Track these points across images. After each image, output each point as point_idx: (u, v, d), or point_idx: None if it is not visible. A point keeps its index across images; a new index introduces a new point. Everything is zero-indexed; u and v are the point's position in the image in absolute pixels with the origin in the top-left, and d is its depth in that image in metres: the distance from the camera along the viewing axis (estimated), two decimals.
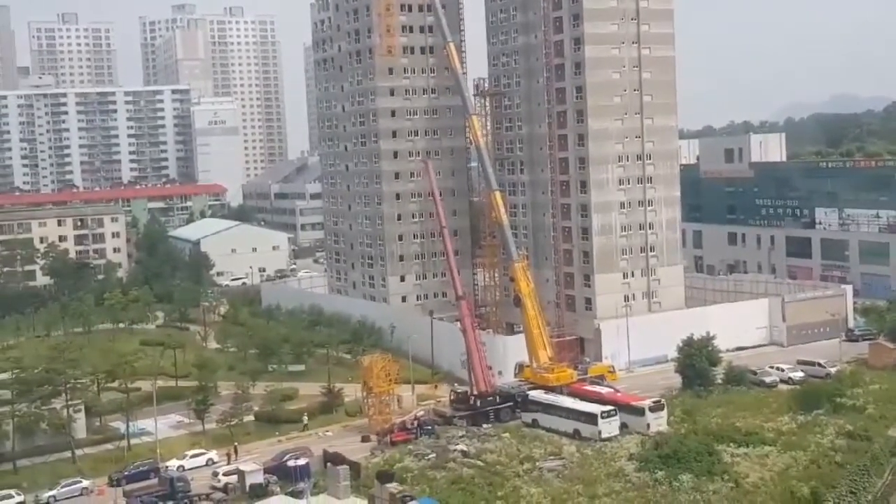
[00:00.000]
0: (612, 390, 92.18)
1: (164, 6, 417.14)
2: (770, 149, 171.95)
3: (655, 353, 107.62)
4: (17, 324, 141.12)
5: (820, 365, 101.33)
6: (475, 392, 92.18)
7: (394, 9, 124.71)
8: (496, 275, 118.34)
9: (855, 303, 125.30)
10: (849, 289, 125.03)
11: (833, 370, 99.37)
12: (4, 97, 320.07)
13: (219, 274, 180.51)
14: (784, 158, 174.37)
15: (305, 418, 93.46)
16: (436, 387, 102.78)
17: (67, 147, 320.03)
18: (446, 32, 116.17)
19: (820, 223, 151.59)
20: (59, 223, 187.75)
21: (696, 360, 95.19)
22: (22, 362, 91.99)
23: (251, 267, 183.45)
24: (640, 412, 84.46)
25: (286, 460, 78.18)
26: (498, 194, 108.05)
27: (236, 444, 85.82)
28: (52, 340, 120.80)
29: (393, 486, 70.32)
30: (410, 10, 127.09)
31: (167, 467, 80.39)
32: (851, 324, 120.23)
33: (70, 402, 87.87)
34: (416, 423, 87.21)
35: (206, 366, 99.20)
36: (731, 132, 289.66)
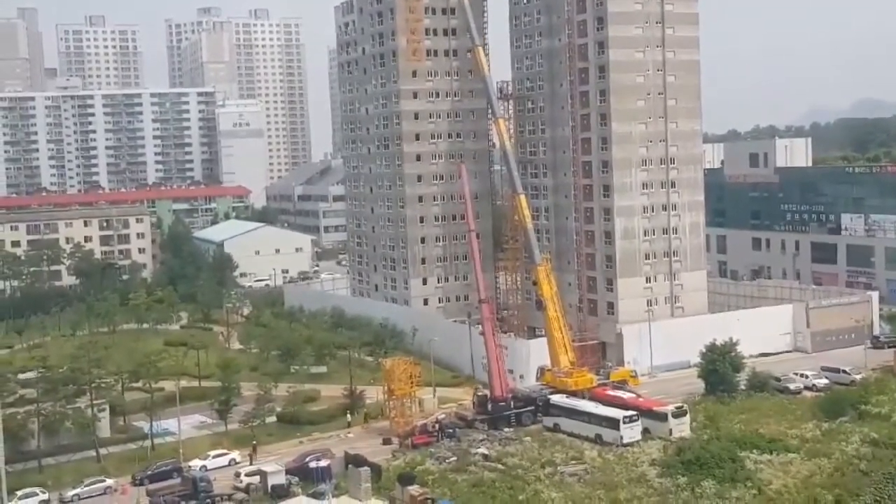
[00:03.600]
0: (634, 395, 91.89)
1: (189, 9, 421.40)
2: (795, 153, 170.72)
3: (678, 359, 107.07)
4: (43, 323, 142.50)
5: (844, 372, 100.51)
6: (490, 397, 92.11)
7: (419, 13, 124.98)
8: (518, 278, 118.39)
9: (880, 309, 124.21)
10: (874, 295, 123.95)
11: (858, 377, 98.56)
12: (32, 98, 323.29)
13: (242, 275, 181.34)
14: (809, 163, 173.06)
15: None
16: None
17: (94, 148, 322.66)
18: (475, 36, 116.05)
19: (846, 229, 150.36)
20: (86, 224, 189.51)
21: (719, 365, 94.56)
22: (47, 361, 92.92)
23: (274, 268, 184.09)
24: (662, 417, 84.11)
25: (308, 461, 78.47)
26: (523, 197, 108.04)
27: (255, 443, 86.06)
28: (77, 340, 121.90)
29: (414, 489, 70.44)
30: (434, 13, 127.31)
31: (190, 467, 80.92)
32: (877, 330, 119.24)
33: (94, 402, 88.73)
34: (437, 425, 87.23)
35: (228, 366, 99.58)
36: (756, 136, 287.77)
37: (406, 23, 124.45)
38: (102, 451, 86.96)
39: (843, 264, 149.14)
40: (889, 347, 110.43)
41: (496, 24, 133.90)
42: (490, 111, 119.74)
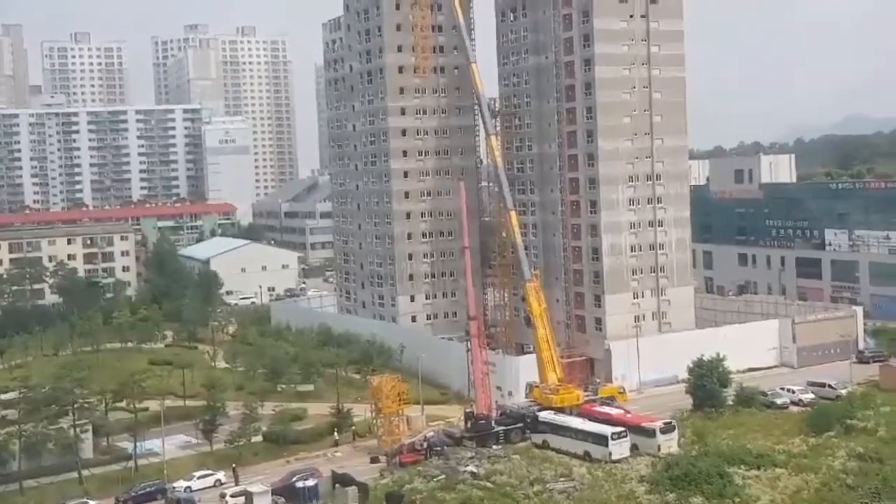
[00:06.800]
0: (622, 411, 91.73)
1: (176, 26, 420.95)
2: (780, 169, 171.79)
3: (666, 374, 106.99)
4: (26, 342, 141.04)
5: (830, 387, 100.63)
6: (473, 415, 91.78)
7: (427, 30, 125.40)
8: (506, 294, 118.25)
9: (865, 324, 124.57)
10: (859, 310, 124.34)
11: (843, 392, 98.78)
12: (16, 116, 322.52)
13: (228, 293, 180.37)
14: (794, 179, 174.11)
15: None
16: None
17: (78, 165, 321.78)
18: (470, 53, 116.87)
19: (830, 244, 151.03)
20: (69, 241, 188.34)
21: (706, 381, 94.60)
22: (29, 381, 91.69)
23: (260, 286, 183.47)
24: (650, 433, 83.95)
25: (295, 481, 77.84)
26: (513, 214, 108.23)
27: (234, 465, 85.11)
28: (60, 359, 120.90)
29: None
30: (422, 30, 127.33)
31: (174, 488, 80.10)
32: (862, 345, 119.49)
33: (77, 422, 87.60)
34: (425, 443, 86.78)
35: (214, 386, 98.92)
36: (741, 153, 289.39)
37: (419, 41, 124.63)
38: (85, 472, 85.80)
39: (827, 279, 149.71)
40: (874, 362, 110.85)
41: (481, 41, 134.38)
42: (483, 128, 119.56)
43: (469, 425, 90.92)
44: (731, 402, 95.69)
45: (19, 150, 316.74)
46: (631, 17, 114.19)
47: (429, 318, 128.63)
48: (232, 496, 77.13)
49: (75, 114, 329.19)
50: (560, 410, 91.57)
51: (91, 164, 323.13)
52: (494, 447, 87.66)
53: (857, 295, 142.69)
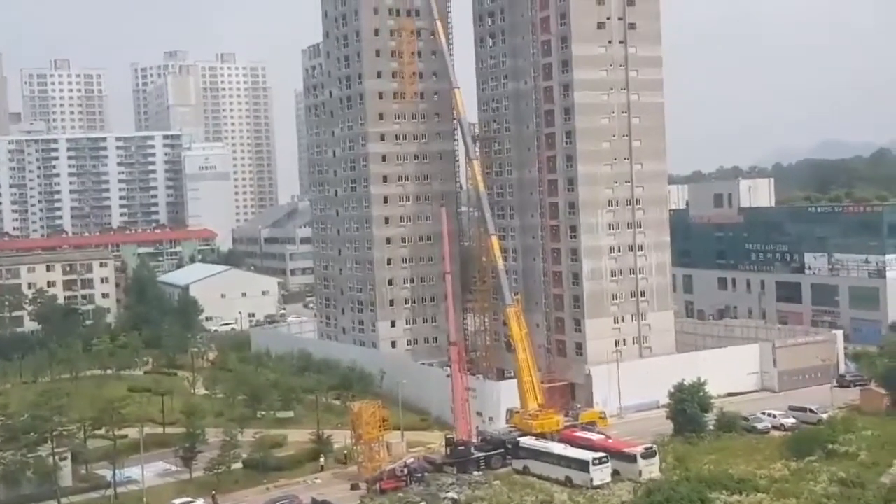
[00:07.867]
0: (603, 437, 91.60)
1: (156, 52, 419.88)
2: (759, 194, 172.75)
3: (646, 399, 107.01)
4: (5, 370, 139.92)
5: (811, 411, 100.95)
6: (454, 441, 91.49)
7: (411, 56, 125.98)
8: (486, 319, 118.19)
9: (846, 348, 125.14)
10: (839, 334, 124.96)
11: (825, 416, 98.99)
12: None
13: (208, 319, 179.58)
14: (773, 203, 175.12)
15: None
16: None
17: (58, 192, 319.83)
18: (453, 78, 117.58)
19: (809, 268, 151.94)
20: (48, 268, 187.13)
21: (687, 405, 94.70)
22: (8, 409, 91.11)
23: (240, 312, 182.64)
24: (631, 459, 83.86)
25: None
26: (495, 239, 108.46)
27: (214, 492, 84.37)
28: (39, 387, 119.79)
29: None
30: (401, 56, 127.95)
31: None
32: (843, 369, 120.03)
33: (56, 450, 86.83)
34: (405, 470, 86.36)
35: (194, 412, 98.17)
36: (720, 177, 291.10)
37: (407, 66, 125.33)
38: (64, 500, 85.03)
39: (808, 303, 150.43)
40: (855, 386, 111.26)
41: (460, 67, 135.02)
42: (465, 153, 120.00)
43: (450, 451, 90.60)
44: (712, 427, 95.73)
45: None
46: (609, 43, 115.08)
47: (409, 343, 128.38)
48: None
49: (55, 140, 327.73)
50: (541, 436, 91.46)
51: (71, 191, 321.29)
52: (475, 473, 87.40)
53: (837, 319, 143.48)
